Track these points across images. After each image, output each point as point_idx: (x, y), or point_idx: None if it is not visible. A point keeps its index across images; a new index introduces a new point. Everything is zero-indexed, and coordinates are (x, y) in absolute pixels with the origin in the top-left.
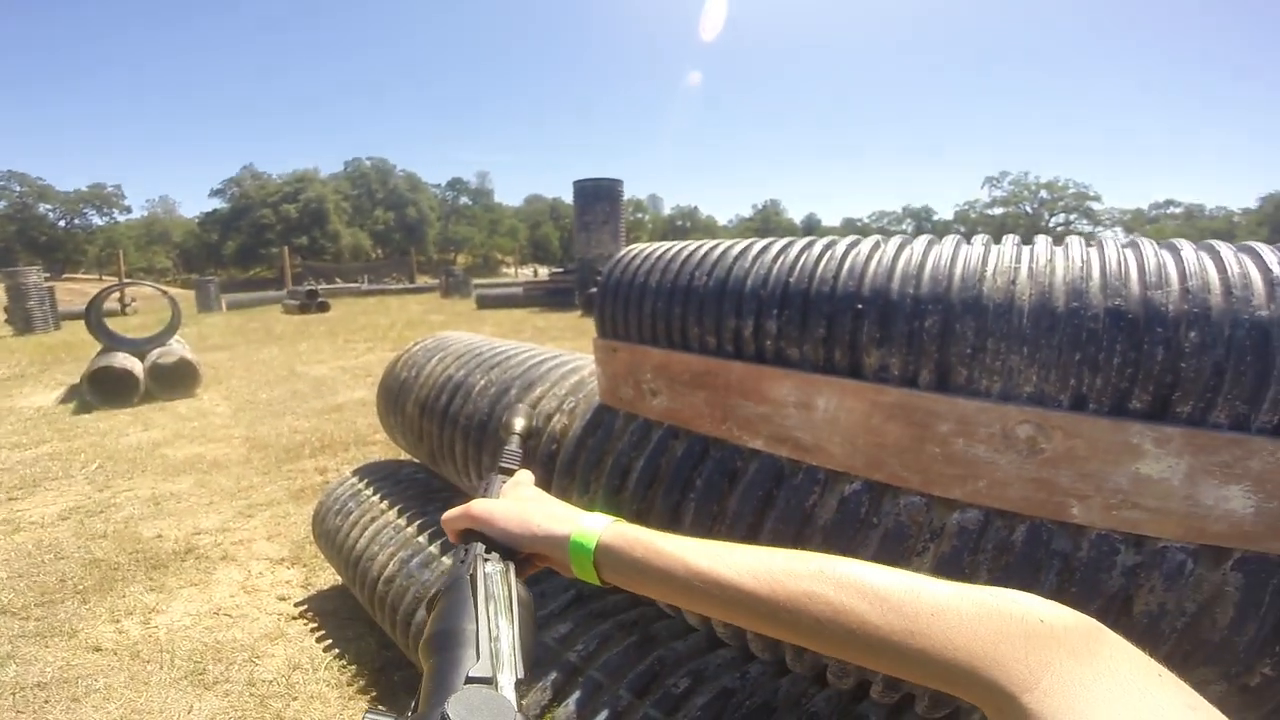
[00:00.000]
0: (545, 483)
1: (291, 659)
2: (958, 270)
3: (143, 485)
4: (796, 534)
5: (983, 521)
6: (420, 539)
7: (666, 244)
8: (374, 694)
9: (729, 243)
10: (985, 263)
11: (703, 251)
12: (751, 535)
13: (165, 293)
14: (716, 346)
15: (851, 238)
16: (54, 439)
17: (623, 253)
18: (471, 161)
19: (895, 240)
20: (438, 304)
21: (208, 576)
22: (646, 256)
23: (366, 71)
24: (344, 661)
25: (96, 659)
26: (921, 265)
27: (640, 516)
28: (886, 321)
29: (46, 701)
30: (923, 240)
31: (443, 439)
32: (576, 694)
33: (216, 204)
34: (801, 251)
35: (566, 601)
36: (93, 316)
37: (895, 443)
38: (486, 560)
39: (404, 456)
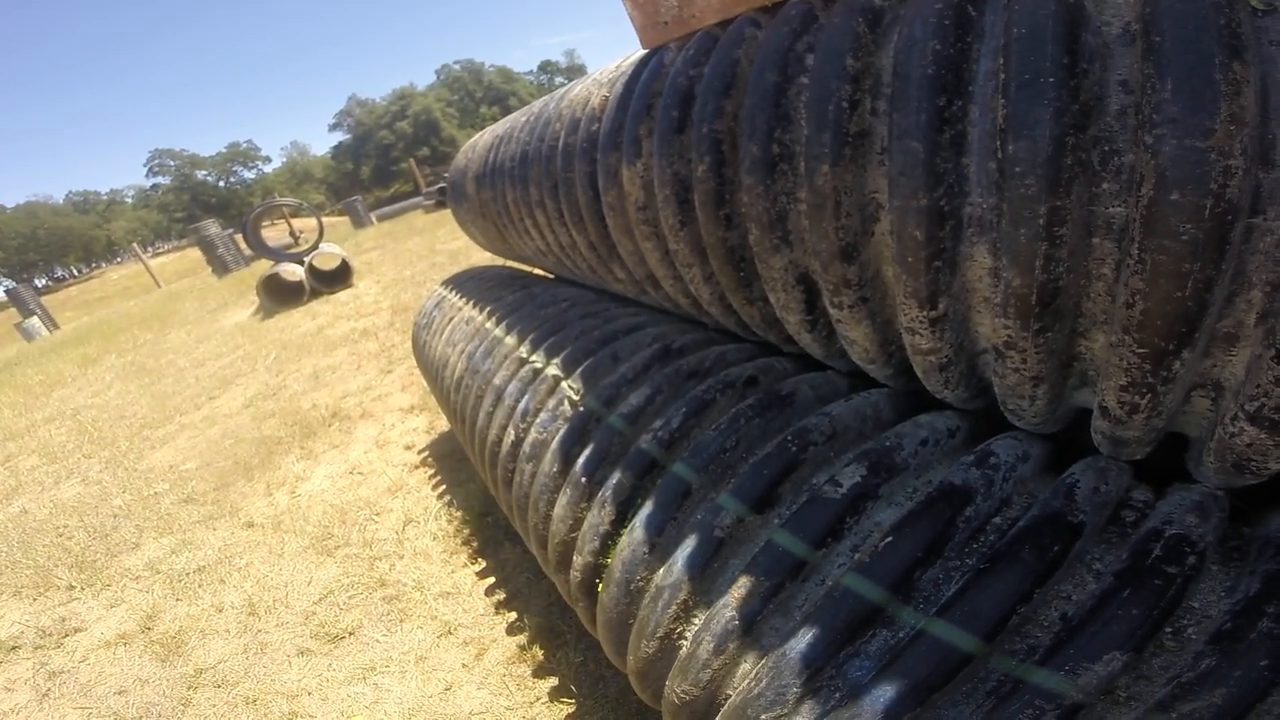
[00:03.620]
0: (591, 176)
1: (407, 512)
2: None
3: (307, 364)
4: (1034, 47)
5: None
6: (488, 324)
7: None
8: (475, 544)
9: None
10: None
11: None
12: (944, 87)
13: (302, 205)
14: None
15: None
16: (245, 344)
17: None
18: (557, 44)
19: None
20: None
21: (348, 437)
22: None
23: None
24: (452, 509)
25: (247, 536)
26: None
27: (718, 145)
28: None
29: (200, 585)
30: None
31: (496, 198)
32: (649, 506)
33: (339, 136)
34: None
35: (647, 359)
36: (250, 238)
37: None
38: None
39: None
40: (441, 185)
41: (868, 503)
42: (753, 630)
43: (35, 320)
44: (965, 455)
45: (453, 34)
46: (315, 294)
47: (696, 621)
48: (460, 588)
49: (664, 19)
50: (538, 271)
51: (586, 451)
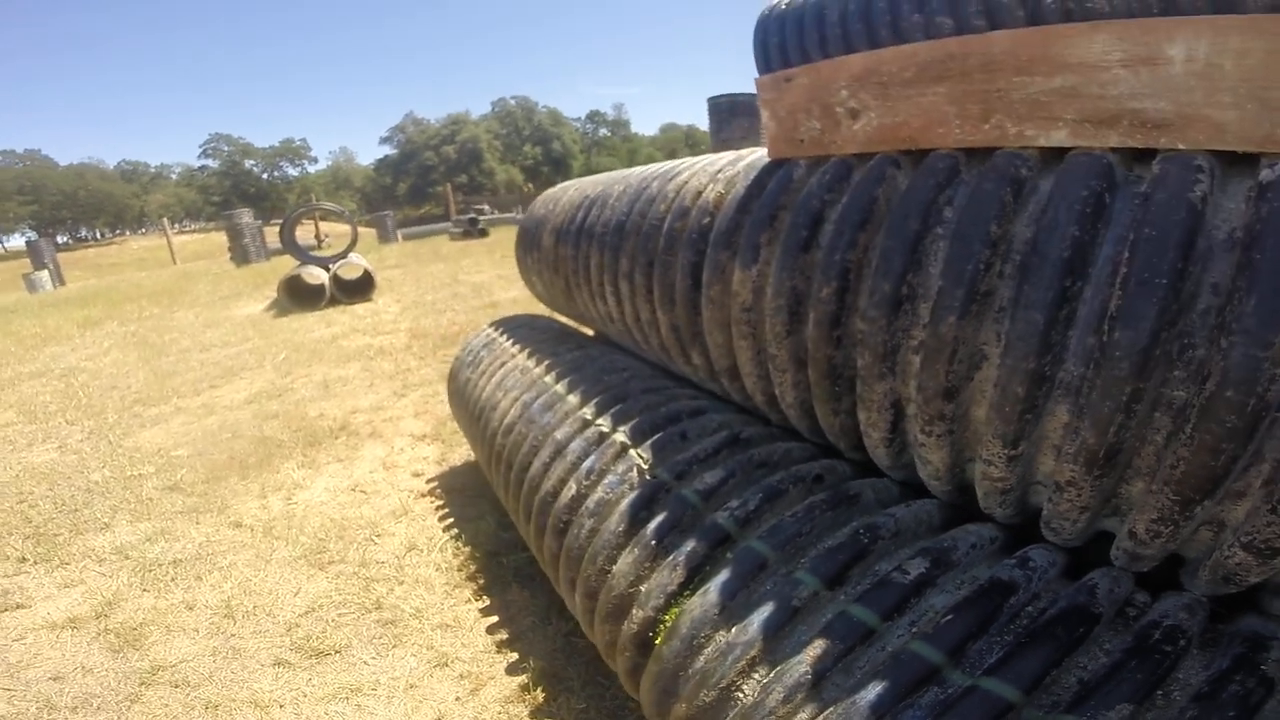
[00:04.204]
0: (694, 265)
1: (409, 539)
2: None
3: (317, 371)
4: (1158, 251)
5: None
6: (547, 379)
7: None
8: (481, 581)
9: None
10: None
11: None
12: (1073, 270)
13: (343, 212)
14: (957, 26)
15: None
16: (255, 337)
17: None
18: (606, 95)
19: None
20: None
21: (354, 453)
22: None
23: (508, 8)
24: (459, 543)
25: (233, 535)
26: None
27: (846, 274)
28: None
29: (173, 579)
30: None
31: (578, 257)
32: (724, 573)
33: (387, 150)
34: None
35: (717, 444)
36: (286, 236)
37: None
38: None
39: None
40: (471, 216)
41: (927, 589)
42: (819, 684)
43: (44, 274)
44: (1008, 558)
45: (512, 68)
46: (334, 302)
47: (757, 676)
48: (461, 621)
49: (801, 137)
50: (585, 330)
51: (658, 518)
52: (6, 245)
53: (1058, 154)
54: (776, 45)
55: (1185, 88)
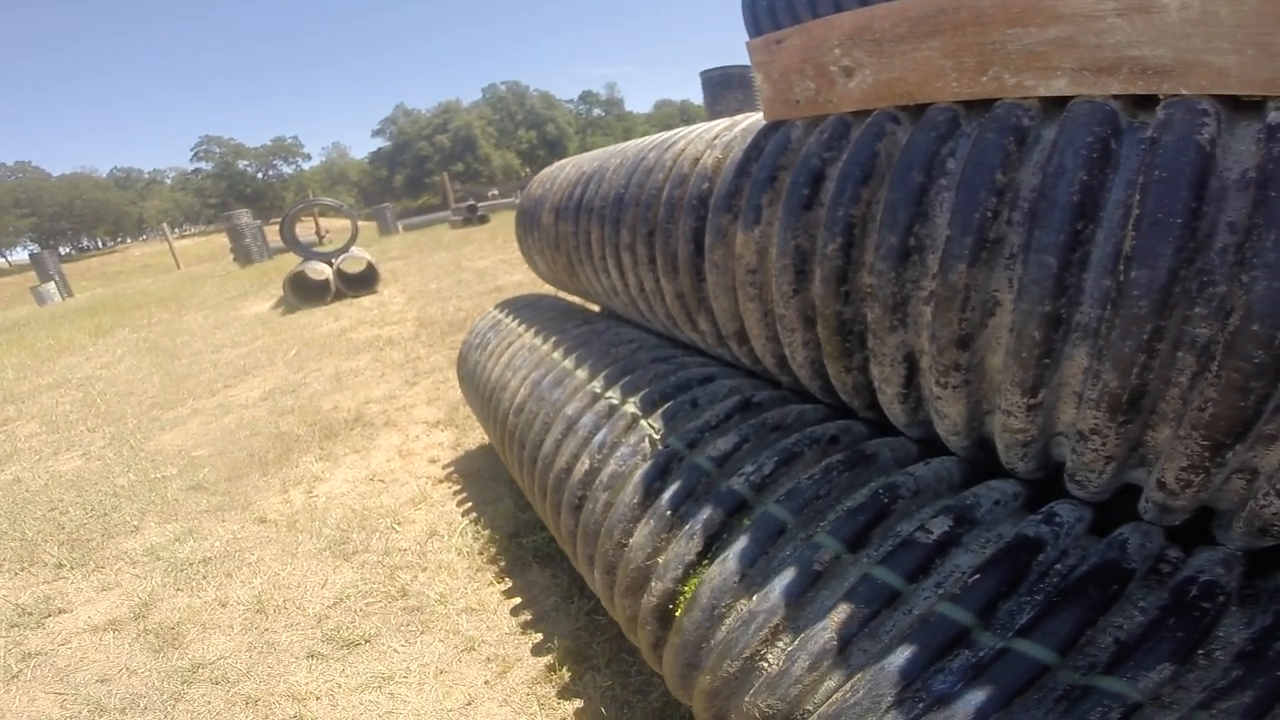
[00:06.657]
0: (695, 231)
1: (430, 525)
2: None
3: (329, 365)
4: (1170, 191)
5: None
6: (555, 355)
7: None
8: (502, 563)
9: None
10: None
11: None
12: (1084, 213)
13: (341, 207)
14: None
15: None
16: (265, 335)
17: None
18: (599, 75)
19: None
20: None
21: (370, 443)
22: None
23: None
24: (479, 526)
25: (259, 531)
26: None
27: (850, 229)
28: None
29: (205, 577)
30: None
31: (579, 233)
32: (743, 540)
33: (380, 143)
34: None
35: (728, 409)
36: (286, 233)
37: None
38: None
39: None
40: (471, 204)
41: (952, 548)
42: (845, 651)
43: (51, 286)
44: (1034, 514)
45: (501, 53)
46: (339, 296)
47: (781, 644)
48: (485, 604)
49: (796, 98)
50: (591, 307)
51: (672, 488)
52: (9, 259)
53: (1058, 103)
54: (765, 8)
55: (1183, 34)
